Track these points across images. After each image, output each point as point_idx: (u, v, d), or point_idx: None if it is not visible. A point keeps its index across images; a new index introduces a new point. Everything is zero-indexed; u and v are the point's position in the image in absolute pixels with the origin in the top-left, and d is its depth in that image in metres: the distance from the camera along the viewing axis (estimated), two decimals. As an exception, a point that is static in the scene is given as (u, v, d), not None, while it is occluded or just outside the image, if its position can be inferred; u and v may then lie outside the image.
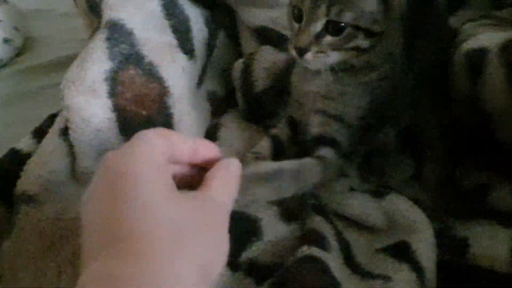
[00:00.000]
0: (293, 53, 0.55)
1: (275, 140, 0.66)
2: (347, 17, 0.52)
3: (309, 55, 0.54)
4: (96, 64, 0.57)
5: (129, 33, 0.60)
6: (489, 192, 0.63)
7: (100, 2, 0.63)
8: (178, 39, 0.66)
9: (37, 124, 0.68)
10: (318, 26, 0.53)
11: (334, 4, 0.51)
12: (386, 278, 0.48)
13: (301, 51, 0.54)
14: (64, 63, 1.04)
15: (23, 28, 1.14)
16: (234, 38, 0.81)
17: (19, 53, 1.10)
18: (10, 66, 1.05)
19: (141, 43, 0.60)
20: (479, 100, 0.58)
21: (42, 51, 1.12)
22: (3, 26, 1.06)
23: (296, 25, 0.56)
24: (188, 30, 0.68)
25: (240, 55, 0.77)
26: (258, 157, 0.63)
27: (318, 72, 0.58)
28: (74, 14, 1.28)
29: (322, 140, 0.61)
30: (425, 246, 0.52)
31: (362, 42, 0.54)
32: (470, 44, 0.60)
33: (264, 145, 0.65)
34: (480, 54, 0.57)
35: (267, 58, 0.71)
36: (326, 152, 0.59)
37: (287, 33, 0.69)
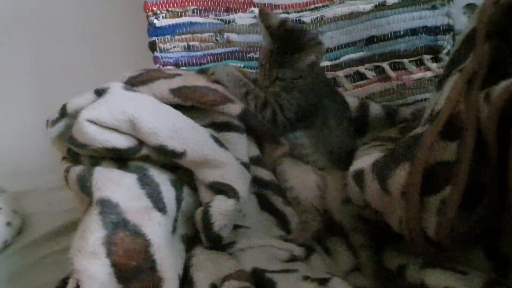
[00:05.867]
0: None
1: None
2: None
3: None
4: (94, 233, 0.76)
5: (115, 206, 0.80)
6: (406, 270, 0.79)
7: (90, 186, 0.83)
8: (152, 202, 0.85)
9: (50, 288, 0.82)
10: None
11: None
12: None
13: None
14: (59, 232, 1.19)
15: (20, 209, 1.28)
16: (196, 190, 1.00)
17: (20, 231, 1.21)
18: (14, 244, 1.15)
19: (125, 211, 0.80)
20: (370, 203, 0.79)
21: (39, 226, 1.24)
22: (4, 212, 1.20)
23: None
24: (159, 193, 0.88)
25: (201, 203, 0.96)
26: None
27: None
28: (57, 188, 1.47)
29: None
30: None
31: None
32: (354, 165, 0.82)
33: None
34: (359, 173, 0.79)
35: (221, 206, 0.92)
36: None
37: (234, 183, 0.94)
